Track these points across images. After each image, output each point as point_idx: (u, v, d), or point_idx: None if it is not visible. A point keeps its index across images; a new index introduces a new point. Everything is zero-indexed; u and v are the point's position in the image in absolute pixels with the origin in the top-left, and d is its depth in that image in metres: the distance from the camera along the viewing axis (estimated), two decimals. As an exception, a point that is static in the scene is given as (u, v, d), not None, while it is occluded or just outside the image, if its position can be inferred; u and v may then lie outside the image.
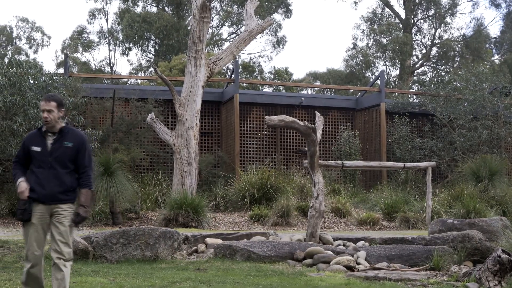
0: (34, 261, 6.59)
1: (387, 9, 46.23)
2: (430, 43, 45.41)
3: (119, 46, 45.59)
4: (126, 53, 45.49)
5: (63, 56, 36.85)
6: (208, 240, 12.05)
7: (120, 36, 44.96)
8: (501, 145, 23.57)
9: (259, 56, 55.54)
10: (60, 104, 6.88)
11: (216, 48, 43.97)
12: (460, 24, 52.41)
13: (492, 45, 47.28)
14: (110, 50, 49.93)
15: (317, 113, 13.94)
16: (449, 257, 10.58)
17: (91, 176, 6.89)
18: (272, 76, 43.68)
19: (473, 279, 9.12)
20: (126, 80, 39.93)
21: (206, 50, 21.41)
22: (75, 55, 45.50)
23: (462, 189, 18.47)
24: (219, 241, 11.95)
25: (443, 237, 11.43)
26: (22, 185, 6.63)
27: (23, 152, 6.81)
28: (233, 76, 23.79)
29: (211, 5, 20.54)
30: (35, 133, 6.88)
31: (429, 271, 10.21)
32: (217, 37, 46.68)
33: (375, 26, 45.49)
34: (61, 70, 26.47)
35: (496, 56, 47.04)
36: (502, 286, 8.93)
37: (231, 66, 28.01)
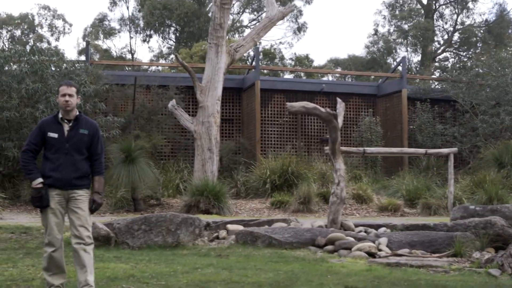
0: (57, 244, 6.64)
1: (408, -6, 45.95)
2: (452, 28, 45.11)
3: (140, 33, 45.73)
4: (147, 40, 45.63)
5: (84, 43, 37.03)
6: (229, 226, 12.07)
7: (141, 23, 45.06)
8: (524, 131, 23.40)
9: (280, 42, 55.55)
10: (78, 91, 6.99)
11: (237, 35, 43.96)
12: (482, 10, 52.04)
13: (515, 30, 46.86)
14: (131, 38, 50.19)
15: (338, 100, 13.89)
16: (471, 244, 10.53)
17: (103, 163, 7.01)
18: (293, 63, 43.61)
19: (496, 265, 9.08)
20: (147, 67, 40.05)
21: (227, 37, 21.42)
22: (96, 42, 45.69)
23: (484, 175, 18.38)
24: (240, 227, 11.96)
25: (465, 223, 11.37)
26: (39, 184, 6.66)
27: (39, 138, 6.78)
28: (254, 63, 23.77)
29: (232, -8, 20.55)
30: (51, 119, 6.88)
31: (451, 258, 10.15)
32: (238, 24, 46.65)
33: (397, 12, 45.23)
34: (83, 58, 26.62)
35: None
36: (524, 273, 8.89)
37: (252, 53, 28.00)
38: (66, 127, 6.81)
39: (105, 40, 47.13)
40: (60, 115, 6.85)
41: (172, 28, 45.13)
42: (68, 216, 6.75)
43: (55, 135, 6.75)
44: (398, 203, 17.48)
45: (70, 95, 6.79)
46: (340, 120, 12.93)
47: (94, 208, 6.80)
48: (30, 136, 6.84)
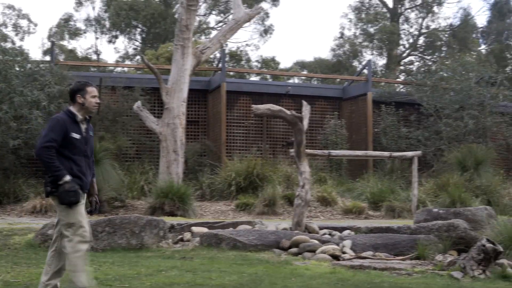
0: (90, 238, 6.73)
1: (375, -2, 46.25)
2: (417, 32, 45.47)
3: (106, 34, 45.43)
4: (113, 41, 45.34)
5: (49, 43, 36.68)
6: (194, 228, 12.03)
7: (107, 24, 44.78)
8: (487, 135, 23.59)
9: (247, 45, 55.49)
10: None
11: (203, 37, 43.85)
12: (447, 14, 52.58)
13: (479, 35, 47.37)
14: (96, 38, 49.92)
15: (304, 102, 13.91)
16: (434, 246, 10.63)
17: None
18: (259, 65, 43.64)
19: (458, 268, 9.18)
20: (112, 68, 39.79)
21: (193, 39, 21.34)
22: (61, 42, 45.27)
23: (448, 178, 18.55)
24: (205, 229, 11.94)
25: (428, 226, 11.47)
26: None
27: (61, 137, 6.60)
28: (220, 65, 23.74)
29: (198, -7, 20.50)
30: (69, 119, 6.75)
31: (414, 260, 10.25)
32: (205, 26, 46.55)
33: (363, 15, 45.49)
34: (48, 58, 26.31)
35: (483, 46, 47.14)
36: (486, 275, 8.99)
37: (218, 55, 27.93)
38: (83, 129, 6.83)
39: (70, 40, 46.73)
40: (80, 116, 6.80)
41: (138, 29, 44.93)
42: None
43: (78, 136, 6.72)
44: (362, 206, 17.58)
45: (99, 97, 6.88)
46: (305, 123, 12.96)
47: (98, 209, 6.97)
48: (51, 132, 6.58)
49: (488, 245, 9.09)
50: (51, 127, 6.62)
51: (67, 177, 6.50)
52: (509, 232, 10.63)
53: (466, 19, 44.65)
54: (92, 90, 6.86)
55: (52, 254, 6.78)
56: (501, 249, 9.32)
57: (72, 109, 6.82)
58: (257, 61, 44.55)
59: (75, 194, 6.52)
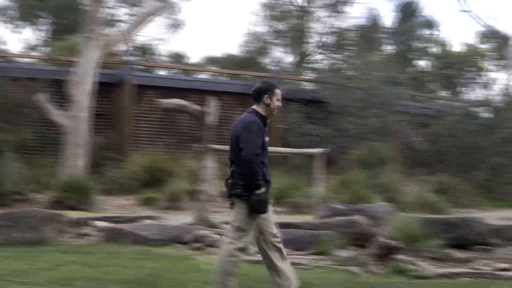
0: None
1: (285, -4, 46.48)
2: (325, 31, 45.95)
3: (11, 23, 44.28)
4: (19, 31, 44.24)
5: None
6: (96, 223, 11.90)
7: (12, 13, 43.66)
8: (390, 134, 24.10)
9: (156, 38, 54.89)
10: None
11: (111, 29, 43.27)
12: (356, 14, 53.34)
13: (385, 35, 48.24)
14: (0, 28, 48.52)
15: (211, 98, 13.93)
16: (335, 242, 10.79)
17: None
18: (168, 59, 43.32)
19: (357, 263, 9.34)
20: (17, 59, 38.84)
21: (101, 31, 21.02)
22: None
23: (351, 176, 18.86)
24: (107, 224, 11.82)
25: (330, 222, 11.66)
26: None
27: (260, 142, 6.58)
28: (128, 58, 23.49)
29: (107, -15, 20.22)
30: (260, 122, 6.67)
31: (315, 256, 10.37)
32: (113, 18, 45.93)
33: (272, 13, 45.66)
34: None
35: (389, 47, 48.05)
36: (384, 270, 9.18)
37: (126, 48, 27.64)
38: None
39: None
40: (268, 119, 6.76)
41: (46, 20, 43.99)
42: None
43: (267, 139, 6.70)
44: (267, 202, 17.65)
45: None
46: (211, 118, 12.97)
47: None
48: (255, 138, 6.55)
49: (386, 241, 9.31)
50: (255, 132, 6.56)
51: (264, 188, 6.48)
52: (407, 229, 10.91)
53: (374, 19, 45.37)
54: (279, 93, 6.78)
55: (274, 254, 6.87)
56: (399, 245, 9.55)
57: (259, 109, 6.74)
58: (166, 55, 44.20)
59: (265, 205, 6.54)
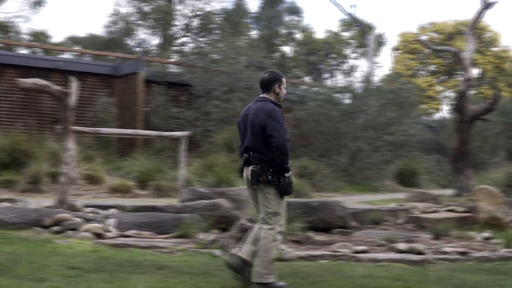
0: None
1: (150, -23, 46.02)
2: (191, 14, 45.88)
3: None
4: None
5: None
6: (-51, 206, 11.44)
7: None
8: (254, 118, 24.33)
9: (16, 16, 53.19)
10: None
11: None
12: (221, -2, 53.71)
13: (251, 20, 48.69)
14: None
15: (73, 78, 13.61)
16: (198, 225, 10.81)
17: None
18: (29, 38, 42.07)
19: (219, 246, 9.41)
20: None
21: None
22: None
23: (215, 159, 18.95)
24: (-38, 207, 11.38)
25: (193, 205, 11.65)
26: None
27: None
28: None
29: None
30: (279, 109, 7.09)
31: (178, 239, 10.36)
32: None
33: (138, -7, 45.16)
34: None
35: (255, 31, 48.56)
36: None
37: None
38: None
39: None
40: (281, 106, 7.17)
41: None
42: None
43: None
44: (129, 185, 17.54)
45: None
46: (73, 99, 12.69)
47: None
48: (283, 125, 6.95)
49: (248, 224, 9.42)
50: (282, 119, 6.96)
51: (290, 171, 6.93)
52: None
53: (239, 4, 45.69)
54: (285, 81, 7.26)
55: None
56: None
57: (271, 98, 7.14)
58: (27, 33, 42.90)
59: (292, 186, 6.97)
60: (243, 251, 7.12)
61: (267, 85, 7.17)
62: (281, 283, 6.96)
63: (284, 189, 6.89)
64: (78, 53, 35.95)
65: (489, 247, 11.61)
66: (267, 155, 6.89)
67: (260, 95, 7.21)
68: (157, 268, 7.83)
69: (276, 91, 7.16)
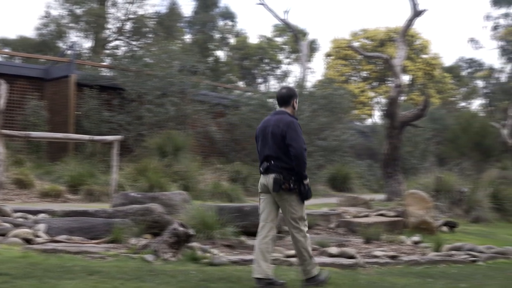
0: None
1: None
2: (124, 17, 45.52)
3: None
4: None
5: None
6: None
7: None
8: (187, 122, 24.33)
9: None
10: None
11: None
12: (155, 1, 53.22)
13: (184, 24, 48.58)
14: None
15: (2, 81, 13.41)
16: (130, 230, 10.72)
17: None
18: (-43, 39, 41.19)
19: (151, 251, 9.34)
20: None
21: None
22: None
23: (148, 163, 18.85)
24: None
25: (125, 210, 11.55)
26: None
27: None
28: None
29: None
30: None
31: (110, 244, 10.25)
32: None
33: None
34: None
35: (188, 36, 48.47)
36: (177, 258, 9.25)
37: None
38: None
39: None
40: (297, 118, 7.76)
41: None
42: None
43: None
44: (60, 189, 17.30)
45: None
46: (2, 102, 12.48)
47: None
48: (301, 135, 7.56)
49: (180, 228, 9.38)
50: (299, 130, 7.57)
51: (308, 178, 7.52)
52: (201, 216, 11.08)
53: (173, 8, 45.53)
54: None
55: (267, 240, 7.64)
56: (192, 233, 9.67)
57: (288, 111, 7.74)
58: (-45, 35, 41.98)
59: (311, 191, 7.57)
60: (261, 270, 7.50)
61: (287, 99, 7.79)
62: (325, 274, 7.74)
63: (305, 195, 7.50)
64: (7, 55, 35.27)
65: (418, 251, 11.88)
66: (288, 163, 7.45)
67: (278, 109, 7.82)
68: (87, 273, 7.72)
69: (294, 105, 7.82)
